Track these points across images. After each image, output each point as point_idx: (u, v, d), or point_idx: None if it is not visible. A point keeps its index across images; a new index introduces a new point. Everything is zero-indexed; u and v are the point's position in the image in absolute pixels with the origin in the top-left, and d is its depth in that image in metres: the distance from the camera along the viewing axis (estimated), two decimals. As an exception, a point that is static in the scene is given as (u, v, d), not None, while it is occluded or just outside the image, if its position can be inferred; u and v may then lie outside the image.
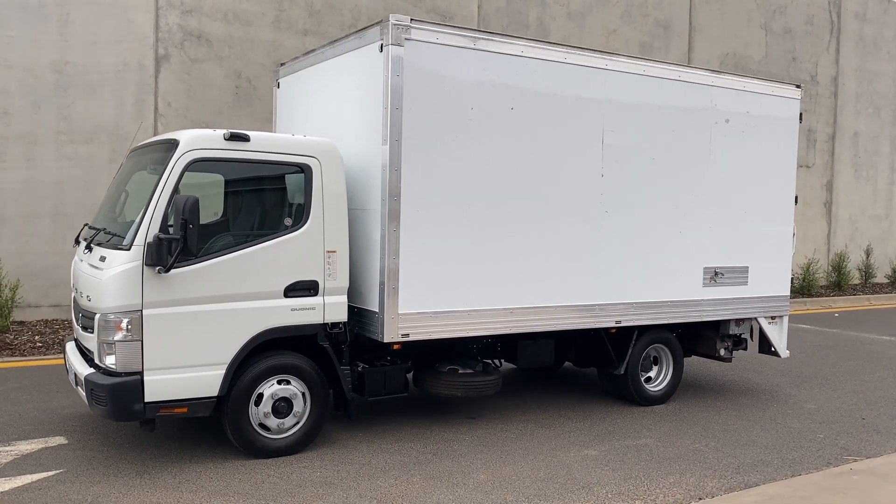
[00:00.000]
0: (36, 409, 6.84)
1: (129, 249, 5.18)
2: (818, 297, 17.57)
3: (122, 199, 6.08)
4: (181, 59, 11.29)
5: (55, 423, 6.46)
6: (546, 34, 14.65)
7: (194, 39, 11.36)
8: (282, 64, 7.81)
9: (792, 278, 8.26)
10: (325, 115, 6.82)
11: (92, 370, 5.43)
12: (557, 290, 6.71)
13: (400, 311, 5.94)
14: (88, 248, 5.85)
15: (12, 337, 9.64)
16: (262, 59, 11.75)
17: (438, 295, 6.13)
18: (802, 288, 17.64)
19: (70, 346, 6.21)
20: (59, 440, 6.04)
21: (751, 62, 17.69)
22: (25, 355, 9.13)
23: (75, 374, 5.67)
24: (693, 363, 9.28)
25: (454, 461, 5.81)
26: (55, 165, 10.54)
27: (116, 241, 5.43)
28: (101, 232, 5.78)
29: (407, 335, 6.01)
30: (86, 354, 5.77)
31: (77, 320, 5.99)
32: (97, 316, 5.30)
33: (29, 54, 10.32)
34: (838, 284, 18.76)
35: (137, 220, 5.28)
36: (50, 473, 5.31)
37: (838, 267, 18.81)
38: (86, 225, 6.30)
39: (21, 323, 10.23)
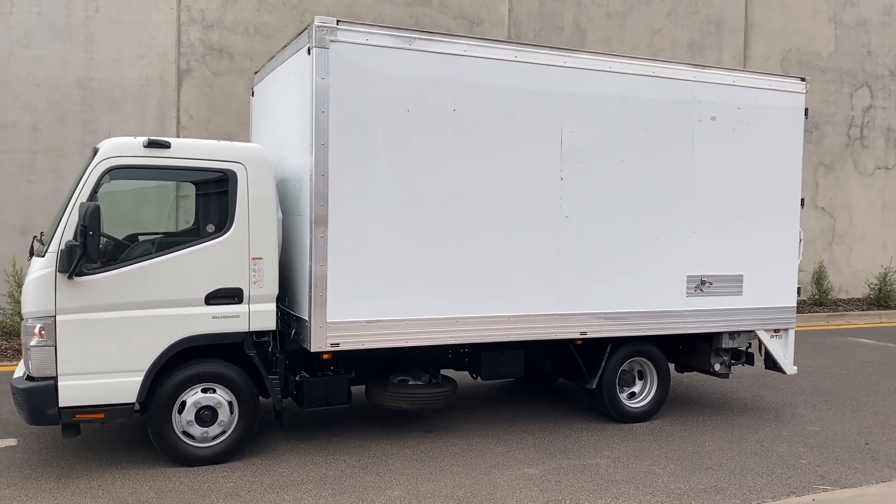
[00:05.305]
0: (11, 412, 7.06)
1: (43, 256, 5.28)
2: (896, 309, 16.22)
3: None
4: (203, 73, 11.57)
5: (19, 425, 6.63)
6: (583, 36, 14.20)
7: (216, 53, 11.63)
8: (256, 72, 7.83)
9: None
10: (278, 120, 6.77)
11: (20, 375, 5.56)
12: (511, 299, 6.37)
13: (329, 320, 5.78)
14: (30, 255, 6.01)
15: (33, 342, 10.08)
16: (283, 71, 11.85)
17: (372, 303, 5.92)
18: (879, 300, 16.29)
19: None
20: (10, 442, 6.22)
21: (817, 58, 16.55)
22: (40, 359, 9.50)
23: (13, 380, 5.82)
24: (706, 378, 8.68)
25: (378, 476, 5.59)
26: (81, 178, 10.97)
27: (40, 248, 5.54)
28: (37, 239, 5.94)
29: (337, 344, 5.84)
30: None
31: None
32: (22, 322, 5.42)
33: (56, 72, 10.83)
34: (922, 296, 17.23)
35: (56, 227, 5.38)
36: (-23, 475, 5.46)
37: (922, 277, 17.30)
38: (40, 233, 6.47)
39: (47, 328, 10.69)
